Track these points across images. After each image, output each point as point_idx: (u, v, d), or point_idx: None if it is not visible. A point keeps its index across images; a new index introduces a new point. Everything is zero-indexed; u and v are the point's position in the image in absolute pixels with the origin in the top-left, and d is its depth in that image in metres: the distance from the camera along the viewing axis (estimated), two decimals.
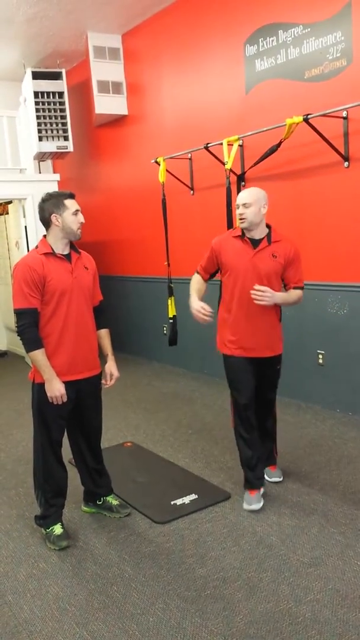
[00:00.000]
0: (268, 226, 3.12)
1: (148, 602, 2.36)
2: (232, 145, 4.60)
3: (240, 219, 3.03)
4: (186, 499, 3.20)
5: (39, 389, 2.76)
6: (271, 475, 3.37)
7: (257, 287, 2.93)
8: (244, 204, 3.02)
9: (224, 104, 5.18)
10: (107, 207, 7.16)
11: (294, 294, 3.10)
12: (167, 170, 5.39)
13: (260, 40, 4.69)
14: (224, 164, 4.67)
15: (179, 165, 5.59)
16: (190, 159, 5.58)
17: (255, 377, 3.17)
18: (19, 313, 2.70)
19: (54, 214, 2.74)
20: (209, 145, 4.95)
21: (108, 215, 7.13)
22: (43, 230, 2.86)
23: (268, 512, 3.02)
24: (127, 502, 3.20)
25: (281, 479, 3.36)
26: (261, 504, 3.07)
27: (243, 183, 4.95)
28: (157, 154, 5.52)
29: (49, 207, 2.76)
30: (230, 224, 4.78)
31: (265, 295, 2.92)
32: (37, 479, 2.90)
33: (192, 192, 5.68)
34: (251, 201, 3.00)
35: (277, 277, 3.08)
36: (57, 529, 2.86)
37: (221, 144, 4.69)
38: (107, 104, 6.41)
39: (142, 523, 3.01)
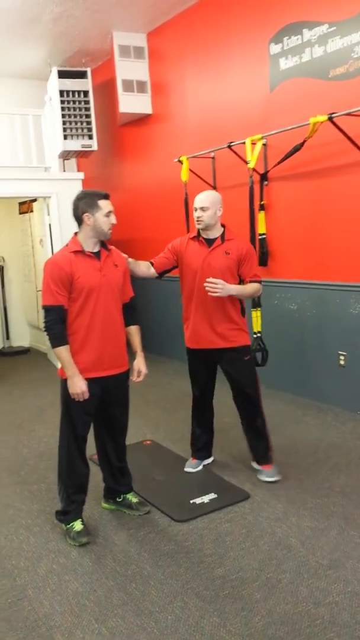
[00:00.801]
0: (223, 226, 3.31)
1: (166, 600, 2.37)
2: (255, 144, 4.59)
3: (197, 221, 3.23)
4: (205, 498, 3.21)
5: (65, 385, 2.79)
6: (266, 475, 3.37)
7: (209, 279, 3.08)
8: (201, 208, 3.22)
9: (247, 103, 5.16)
10: (130, 206, 7.18)
11: (250, 286, 3.26)
12: (189, 169, 5.39)
13: (284, 38, 4.66)
14: (247, 163, 4.66)
15: (201, 164, 5.59)
16: (213, 157, 5.56)
17: (211, 372, 3.44)
18: (47, 309, 2.75)
19: (86, 213, 2.77)
20: (232, 144, 4.93)
21: (131, 213, 7.15)
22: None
23: (287, 514, 3.01)
24: (146, 499, 3.22)
25: (275, 479, 3.34)
26: (196, 469, 3.55)
27: (266, 182, 4.93)
28: (180, 153, 5.52)
29: (82, 205, 2.78)
30: (252, 223, 4.77)
31: (217, 287, 3.06)
32: (61, 474, 2.94)
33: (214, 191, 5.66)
34: (208, 205, 3.20)
35: (231, 273, 3.22)
36: (77, 525, 2.89)
37: (244, 142, 4.67)
38: (131, 103, 6.43)
39: (162, 521, 3.03)
